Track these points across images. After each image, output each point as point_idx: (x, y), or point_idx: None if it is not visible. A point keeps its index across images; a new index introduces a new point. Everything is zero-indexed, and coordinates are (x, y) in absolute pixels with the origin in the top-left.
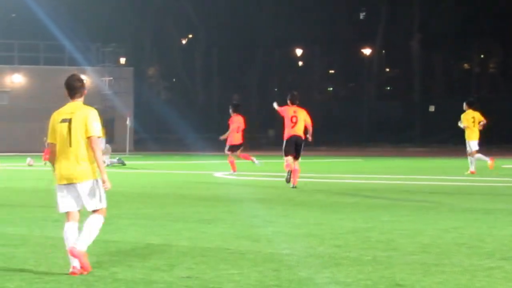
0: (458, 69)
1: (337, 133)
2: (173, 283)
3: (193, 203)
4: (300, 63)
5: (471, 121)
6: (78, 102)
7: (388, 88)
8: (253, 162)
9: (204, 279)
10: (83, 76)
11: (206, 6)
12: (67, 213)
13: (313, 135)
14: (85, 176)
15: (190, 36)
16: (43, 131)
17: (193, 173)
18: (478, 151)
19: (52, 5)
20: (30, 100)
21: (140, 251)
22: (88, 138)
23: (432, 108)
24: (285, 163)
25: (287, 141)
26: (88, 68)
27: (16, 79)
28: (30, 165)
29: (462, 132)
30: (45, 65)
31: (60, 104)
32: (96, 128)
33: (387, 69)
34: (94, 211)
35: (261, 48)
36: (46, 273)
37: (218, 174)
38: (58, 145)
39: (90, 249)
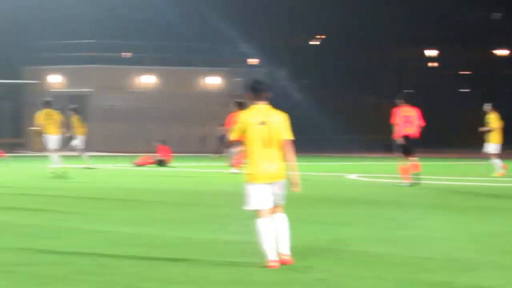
0: None
1: (472, 135)
2: (308, 285)
3: (329, 205)
4: (434, 64)
5: None
6: (266, 105)
7: None
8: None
9: (340, 282)
10: (217, 78)
11: (338, 6)
12: (260, 210)
13: (420, 134)
14: (281, 175)
15: (322, 36)
16: (176, 131)
17: (326, 175)
18: None
19: (183, 6)
20: (161, 101)
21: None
22: (285, 141)
23: None
24: (401, 166)
25: (401, 140)
26: (220, 69)
27: (148, 80)
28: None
29: None
30: (177, 66)
31: (190, 105)
32: (290, 131)
33: None
34: (276, 209)
35: (394, 48)
36: (180, 275)
37: (351, 176)
38: (255, 146)
39: (223, 250)
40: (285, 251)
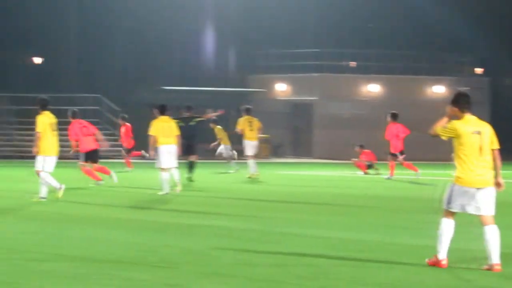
0: None
1: None
2: None
3: None
4: None
5: None
6: (474, 116)
7: None
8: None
9: None
10: (440, 86)
11: None
12: (452, 213)
13: None
14: (489, 183)
15: None
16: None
17: None
18: None
19: (406, 15)
20: (386, 109)
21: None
22: (495, 150)
23: None
24: None
25: None
26: (445, 78)
27: (373, 89)
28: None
29: None
30: (401, 74)
31: (414, 113)
32: (497, 141)
33: None
34: (485, 219)
35: None
36: (396, 279)
37: None
38: (468, 154)
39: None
40: (496, 260)
